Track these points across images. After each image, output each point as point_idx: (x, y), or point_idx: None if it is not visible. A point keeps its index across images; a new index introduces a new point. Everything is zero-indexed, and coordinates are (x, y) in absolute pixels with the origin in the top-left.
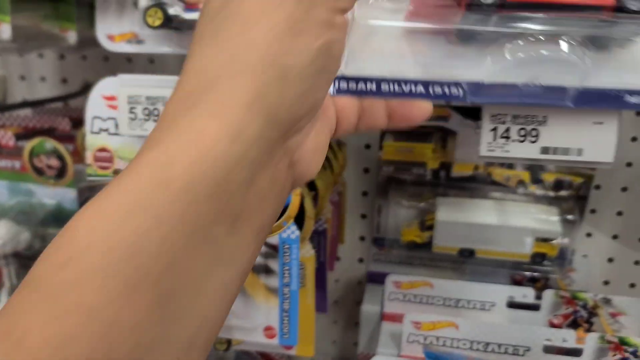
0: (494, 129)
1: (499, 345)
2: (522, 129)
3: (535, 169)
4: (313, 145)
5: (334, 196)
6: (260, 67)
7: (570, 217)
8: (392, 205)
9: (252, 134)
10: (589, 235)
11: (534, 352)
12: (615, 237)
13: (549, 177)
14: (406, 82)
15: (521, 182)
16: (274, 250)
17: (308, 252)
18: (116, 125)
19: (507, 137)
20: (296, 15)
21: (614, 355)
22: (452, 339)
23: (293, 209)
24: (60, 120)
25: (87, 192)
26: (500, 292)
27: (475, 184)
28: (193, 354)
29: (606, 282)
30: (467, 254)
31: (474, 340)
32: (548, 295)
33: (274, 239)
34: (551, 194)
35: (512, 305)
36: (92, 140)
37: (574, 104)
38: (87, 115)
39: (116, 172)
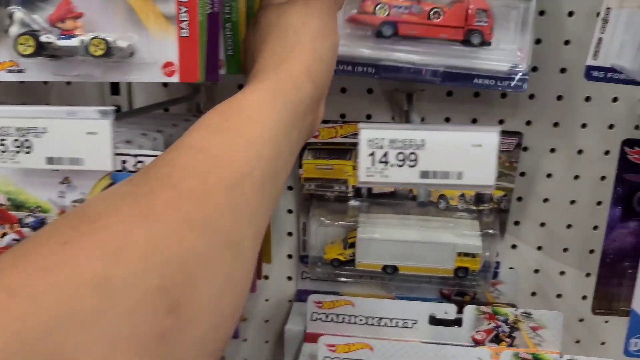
0: (372, 154)
1: None
2: (400, 153)
3: None
4: (322, 110)
5: None
6: (308, 54)
7: (490, 231)
8: (315, 223)
9: (307, 88)
10: (514, 247)
11: None
12: (539, 248)
13: (469, 191)
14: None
15: (442, 197)
16: None
17: None
18: None
19: (386, 162)
20: (321, 25)
21: None
22: None
23: None
24: None
25: None
26: (422, 309)
27: (398, 200)
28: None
29: (533, 294)
30: (390, 271)
31: None
32: (469, 311)
33: None
34: (473, 207)
35: (434, 322)
36: None
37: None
38: None
39: None
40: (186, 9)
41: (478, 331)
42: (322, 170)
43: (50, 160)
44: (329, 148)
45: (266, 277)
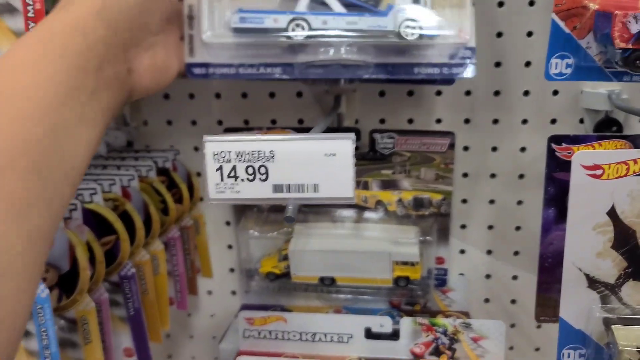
0: (219, 169)
1: None
2: (249, 166)
3: (390, 187)
4: (150, 61)
5: (174, 232)
6: None
7: (428, 237)
8: (244, 236)
9: (99, 32)
10: (462, 252)
11: None
12: (489, 252)
13: (406, 196)
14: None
15: (379, 203)
16: None
17: (88, 304)
18: None
19: (235, 177)
20: None
21: None
22: None
23: None
24: None
25: None
26: (357, 323)
27: (335, 208)
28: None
29: (487, 300)
30: (328, 282)
31: None
32: (406, 323)
33: None
34: (412, 213)
35: (371, 335)
36: None
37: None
38: None
39: None
40: (34, 24)
41: (417, 344)
42: None
43: None
44: None
45: (209, 292)
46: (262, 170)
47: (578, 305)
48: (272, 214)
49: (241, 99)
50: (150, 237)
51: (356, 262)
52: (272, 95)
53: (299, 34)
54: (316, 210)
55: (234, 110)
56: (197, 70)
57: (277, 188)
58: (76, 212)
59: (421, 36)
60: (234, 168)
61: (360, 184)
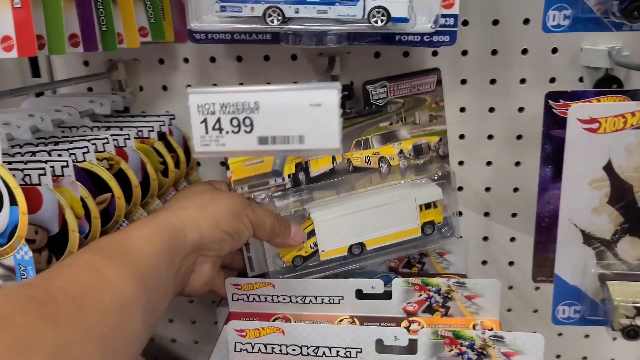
0: (204, 121)
1: None
2: (234, 118)
3: (390, 140)
4: (205, 271)
5: (172, 195)
6: (207, 213)
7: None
8: None
9: (193, 236)
10: (459, 214)
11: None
12: (486, 214)
13: (406, 145)
14: None
15: (382, 160)
16: (11, 272)
17: None
18: None
19: (220, 129)
20: (231, 206)
21: (450, 350)
22: None
23: (22, 228)
24: None
25: None
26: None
27: (338, 176)
28: None
29: (484, 262)
30: (357, 251)
31: None
32: (397, 283)
33: (9, 261)
34: (414, 162)
35: (362, 297)
36: None
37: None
38: None
39: None
40: None
41: (409, 303)
42: (251, 167)
43: None
44: None
45: (214, 302)
46: (247, 122)
47: (573, 262)
48: (275, 203)
49: (236, 63)
50: (149, 197)
51: (384, 217)
52: (266, 58)
53: (275, 25)
54: (320, 186)
55: (229, 74)
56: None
57: (263, 140)
58: (68, 169)
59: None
60: (218, 120)
61: (362, 144)
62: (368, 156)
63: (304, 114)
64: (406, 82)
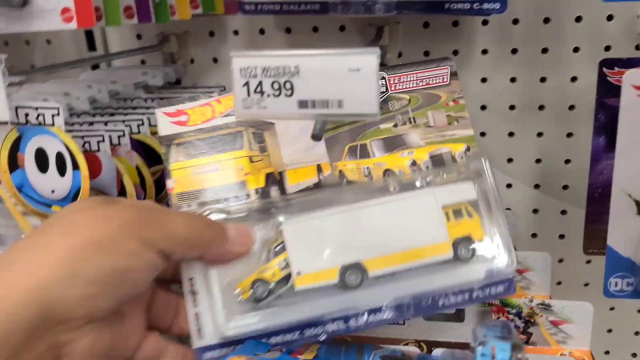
0: (246, 84)
1: None
2: (275, 82)
3: (396, 147)
4: (87, 345)
5: None
6: (53, 265)
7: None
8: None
9: (22, 315)
10: (509, 186)
11: None
12: (537, 186)
13: (420, 155)
14: None
15: (389, 173)
16: None
17: None
18: None
19: (262, 92)
20: (104, 236)
21: (497, 317)
22: None
23: (85, 192)
24: None
25: None
26: None
27: (325, 194)
28: None
29: (534, 235)
30: (355, 278)
31: None
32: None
33: None
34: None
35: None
36: None
37: None
38: None
39: None
40: None
41: None
42: (203, 176)
43: None
44: (208, 137)
45: None
46: (288, 85)
47: (627, 233)
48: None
49: (285, 35)
50: None
51: (390, 223)
52: (315, 29)
53: None
54: (300, 203)
55: (278, 46)
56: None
57: (302, 104)
58: (124, 138)
59: None
60: (260, 83)
61: (357, 151)
62: (368, 167)
63: (343, 78)
64: (410, 74)
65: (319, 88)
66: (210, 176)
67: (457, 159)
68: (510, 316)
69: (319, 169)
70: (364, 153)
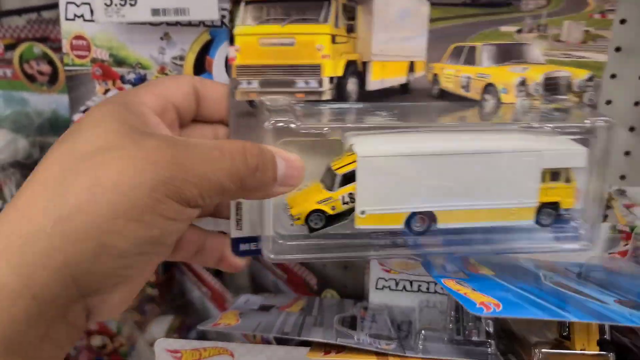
0: None
1: None
2: None
3: (508, 57)
4: (117, 300)
5: None
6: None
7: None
8: None
9: (52, 293)
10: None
11: None
12: (632, 129)
13: (534, 75)
14: None
15: (490, 89)
16: None
17: None
18: (91, 11)
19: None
20: (135, 203)
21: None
22: None
23: None
24: (52, 29)
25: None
26: None
27: (412, 99)
28: None
29: (622, 177)
30: (420, 227)
31: None
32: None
33: None
34: (544, 105)
35: None
36: (67, 28)
37: None
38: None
39: (93, 60)
40: None
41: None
42: (272, 50)
43: (155, 12)
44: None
45: None
46: None
47: None
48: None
49: None
50: None
51: (478, 177)
52: None
53: None
54: (377, 107)
55: None
56: None
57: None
58: None
59: None
60: None
61: (463, 54)
62: (468, 77)
63: None
64: None
65: None
66: (281, 51)
67: (574, 88)
68: None
69: (411, 67)
70: (470, 58)
